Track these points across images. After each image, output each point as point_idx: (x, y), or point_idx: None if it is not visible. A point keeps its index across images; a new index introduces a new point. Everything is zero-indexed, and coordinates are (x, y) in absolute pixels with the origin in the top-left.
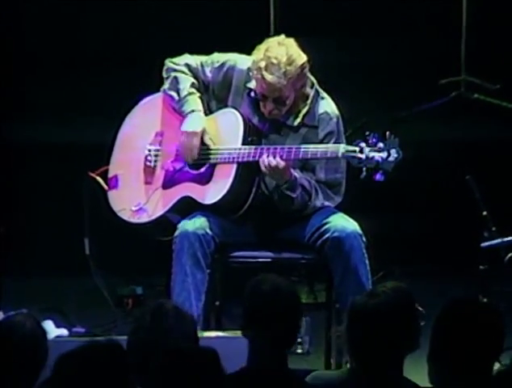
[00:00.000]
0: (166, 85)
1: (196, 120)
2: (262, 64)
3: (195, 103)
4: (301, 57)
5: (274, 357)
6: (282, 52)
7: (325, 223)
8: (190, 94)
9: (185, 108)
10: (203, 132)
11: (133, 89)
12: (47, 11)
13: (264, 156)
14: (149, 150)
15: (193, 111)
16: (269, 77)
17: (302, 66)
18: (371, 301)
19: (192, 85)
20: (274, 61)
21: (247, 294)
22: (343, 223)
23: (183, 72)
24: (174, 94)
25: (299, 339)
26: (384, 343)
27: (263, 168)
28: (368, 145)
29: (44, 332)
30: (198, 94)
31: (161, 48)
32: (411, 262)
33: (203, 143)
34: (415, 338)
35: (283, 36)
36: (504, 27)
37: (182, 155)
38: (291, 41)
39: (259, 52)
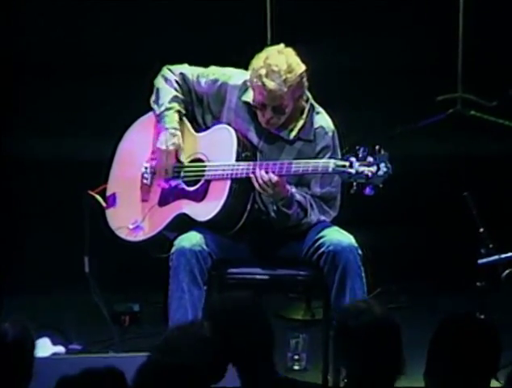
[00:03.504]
0: (152, 96)
1: (168, 138)
2: (263, 71)
3: (170, 120)
4: (300, 66)
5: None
6: (282, 60)
7: (321, 237)
8: (167, 109)
9: (161, 125)
10: (178, 149)
11: (134, 105)
12: (47, 26)
13: (256, 171)
14: (146, 168)
15: (166, 129)
16: (270, 84)
17: (301, 75)
18: (355, 321)
19: (173, 99)
20: (275, 69)
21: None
22: (339, 236)
23: (172, 83)
24: (155, 107)
25: (296, 356)
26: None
27: (256, 185)
28: (358, 160)
29: (31, 343)
30: (176, 109)
31: (162, 63)
32: (408, 278)
33: (195, 161)
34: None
35: (282, 45)
36: (501, 44)
37: (156, 172)
38: (291, 50)
39: (259, 60)
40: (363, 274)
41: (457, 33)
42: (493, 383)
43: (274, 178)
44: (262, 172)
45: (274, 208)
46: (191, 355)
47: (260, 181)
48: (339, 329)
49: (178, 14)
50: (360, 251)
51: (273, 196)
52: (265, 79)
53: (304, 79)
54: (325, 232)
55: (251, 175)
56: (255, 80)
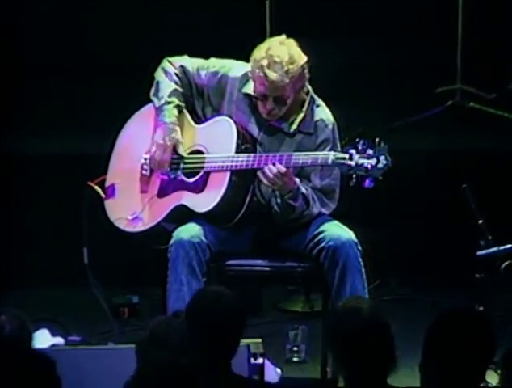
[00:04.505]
0: (152, 89)
1: (167, 133)
2: (265, 62)
3: (169, 114)
4: (302, 58)
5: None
6: (284, 51)
7: (321, 232)
8: (166, 103)
9: (160, 118)
10: (176, 144)
11: (133, 99)
12: (46, 24)
13: (265, 168)
14: (145, 159)
15: (165, 123)
16: (272, 75)
17: (303, 66)
18: (343, 326)
19: (173, 92)
20: (277, 60)
21: (191, 306)
22: (339, 232)
23: (172, 75)
24: (155, 100)
25: (295, 348)
26: (362, 361)
27: (265, 181)
28: (358, 152)
29: (28, 336)
30: (176, 103)
31: (161, 58)
32: (407, 271)
33: (189, 154)
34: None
35: (284, 36)
36: (500, 37)
37: (152, 166)
38: (292, 41)
39: (260, 51)
40: (363, 269)
41: (457, 25)
42: (492, 377)
43: (283, 168)
44: (270, 166)
45: (279, 201)
46: (179, 345)
47: (269, 175)
48: (329, 333)
49: (178, 14)
50: (360, 247)
51: (281, 188)
52: (267, 70)
53: (306, 70)
54: (325, 227)
55: (259, 173)
56: (257, 71)
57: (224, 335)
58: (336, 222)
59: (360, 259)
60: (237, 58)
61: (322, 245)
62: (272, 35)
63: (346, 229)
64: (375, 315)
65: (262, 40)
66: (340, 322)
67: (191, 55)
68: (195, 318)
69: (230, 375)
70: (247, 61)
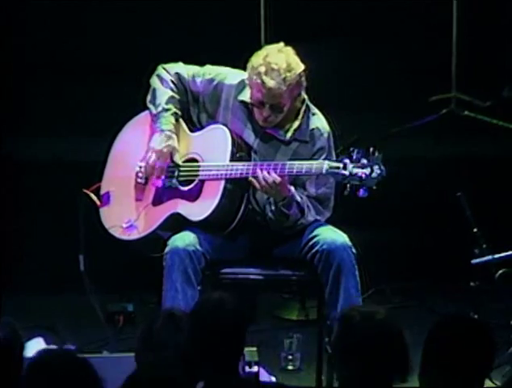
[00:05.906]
0: (148, 96)
1: (163, 140)
2: (262, 69)
3: (166, 121)
4: (299, 65)
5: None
6: (281, 58)
7: (315, 236)
8: (164, 110)
9: (157, 125)
10: (172, 151)
11: (133, 101)
12: (46, 24)
13: (258, 172)
14: (140, 167)
15: (162, 130)
16: (270, 82)
17: (300, 74)
18: (365, 323)
19: (170, 99)
20: (275, 67)
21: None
22: (333, 235)
23: (167, 83)
24: (151, 107)
25: (290, 356)
26: (371, 367)
27: (258, 186)
28: (352, 162)
29: (19, 345)
30: (173, 111)
31: (159, 60)
32: (402, 278)
33: (183, 162)
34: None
35: (282, 44)
36: (494, 45)
37: (145, 172)
38: (290, 49)
39: (258, 57)
40: (357, 272)
41: (451, 33)
42: (487, 383)
43: (278, 178)
44: (265, 174)
45: (273, 208)
46: (178, 348)
47: (262, 182)
48: (342, 335)
49: (177, 15)
50: (354, 250)
51: (275, 196)
52: (264, 77)
53: (303, 78)
54: (319, 231)
55: (251, 179)
56: (254, 77)
57: (228, 340)
58: (330, 227)
59: (354, 262)
60: (236, 56)
61: (316, 248)
62: (267, 34)
63: (340, 232)
64: (392, 320)
65: (258, 39)
66: (351, 329)
67: (191, 55)
68: (197, 323)
69: (239, 379)
70: (244, 65)
